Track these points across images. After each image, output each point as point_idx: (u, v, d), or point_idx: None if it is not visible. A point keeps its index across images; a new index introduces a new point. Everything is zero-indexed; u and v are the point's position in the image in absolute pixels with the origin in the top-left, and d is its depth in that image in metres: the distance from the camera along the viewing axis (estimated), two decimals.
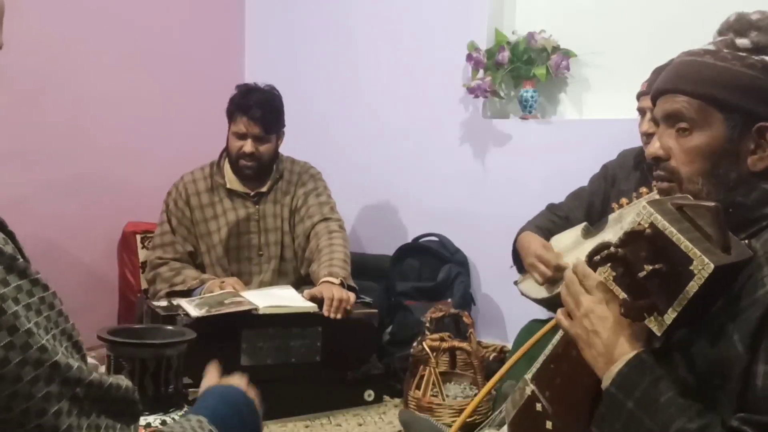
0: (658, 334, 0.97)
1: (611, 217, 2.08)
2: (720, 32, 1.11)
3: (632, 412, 0.96)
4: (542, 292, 2.24)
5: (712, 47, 1.09)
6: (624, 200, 1.93)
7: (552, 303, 2.20)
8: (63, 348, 0.74)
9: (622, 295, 0.99)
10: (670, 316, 0.94)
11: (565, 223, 2.35)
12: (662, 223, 0.94)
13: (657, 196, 1.14)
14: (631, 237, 0.96)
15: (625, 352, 1.01)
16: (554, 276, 2.17)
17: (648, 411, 0.94)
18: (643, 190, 1.98)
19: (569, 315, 1.08)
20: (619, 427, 0.97)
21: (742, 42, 1.06)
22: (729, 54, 1.06)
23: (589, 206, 2.36)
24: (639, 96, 2.18)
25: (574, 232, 2.24)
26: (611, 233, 1.97)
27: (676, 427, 0.91)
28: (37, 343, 0.71)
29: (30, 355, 0.70)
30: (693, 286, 0.91)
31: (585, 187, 2.41)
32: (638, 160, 2.26)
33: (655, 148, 1.11)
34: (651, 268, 0.93)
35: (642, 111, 2.16)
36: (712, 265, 0.90)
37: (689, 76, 1.08)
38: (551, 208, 2.44)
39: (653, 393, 0.95)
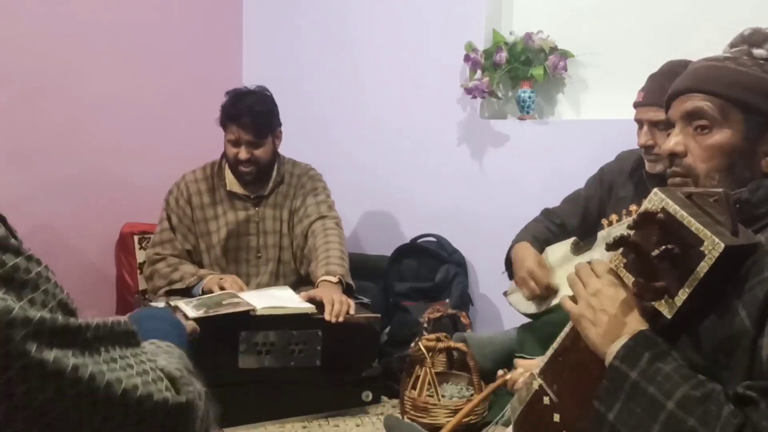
0: (669, 317, 0.98)
1: (600, 234, 2.04)
2: (733, 45, 1.17)
3: (637, 383, 0.97)
4: (530, 308, 2.23)
5: (729, 55, 1.14)
6: (614, 216, 1.91)
7: (539, 318, 2.19)
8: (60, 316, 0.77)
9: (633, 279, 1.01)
10: (681, 297, 0.96)
11: (561, 231, 2.32)
12: (673, 207, 0.97)
13: None
14: (644, 219, 0.98)
15: (631, 329, 1.03)
16: (542, 294, 2.17)
17: (652, 380, 0.96)
18: (633, 208, 1.94)
19: (574, 300, 1.12)
20: (623, 398, 0.98)
21: (759, 52, 1.12)
22: (749, 61, 1.11)
23: (584, 211, 2.33)
24: (635, 106, 2.12)
25: (565, 247, 2.21)
26: (598, 252, 1.96)
27: (681, 394, 0.93)
28: (35, 315, 0.73)
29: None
30: (704, 267, 0.93)
31: (581, 190, 2.38)
32: (636, 166, 2.22)
33: (672, 143, 1.15)
34: (663, 247, 0.95)
35: (639, 123, 2.10)
36: (722, 245, 0.92)
37: (712, 77, 1.12)
38: (546, 213, 2.41)
39: (658, 363, 0.97)
